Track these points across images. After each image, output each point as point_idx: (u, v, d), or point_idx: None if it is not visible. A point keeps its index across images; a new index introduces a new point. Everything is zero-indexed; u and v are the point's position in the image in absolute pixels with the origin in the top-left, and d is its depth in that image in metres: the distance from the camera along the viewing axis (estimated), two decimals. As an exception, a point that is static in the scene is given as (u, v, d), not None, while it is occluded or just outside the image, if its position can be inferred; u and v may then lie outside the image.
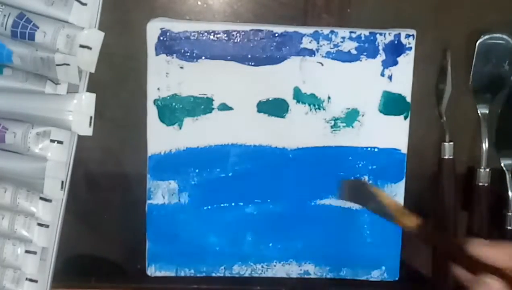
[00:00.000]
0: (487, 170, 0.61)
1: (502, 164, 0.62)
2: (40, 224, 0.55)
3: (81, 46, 0.50)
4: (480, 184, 0.61)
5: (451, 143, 0.61)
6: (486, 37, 0.59)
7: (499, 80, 0.60)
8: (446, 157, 0.61)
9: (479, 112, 0.61)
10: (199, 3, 0.59)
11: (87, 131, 0.53)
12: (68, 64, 0.51)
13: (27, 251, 0.55)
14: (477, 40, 0.59)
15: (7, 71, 0.54)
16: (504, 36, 0.59)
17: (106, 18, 0.52)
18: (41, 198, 0.55)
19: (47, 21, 0.50)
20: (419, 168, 0.61)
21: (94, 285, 0.62)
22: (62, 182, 0.54)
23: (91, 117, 0.53)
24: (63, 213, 0.55)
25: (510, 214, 0.61)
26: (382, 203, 0.48)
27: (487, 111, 0.61)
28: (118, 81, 0.59)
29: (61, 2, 0.50)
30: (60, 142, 0.54)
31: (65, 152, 0.54)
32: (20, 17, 0.50)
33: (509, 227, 0.61)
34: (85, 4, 0.50)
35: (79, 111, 0.53)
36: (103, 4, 0.51)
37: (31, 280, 0.56)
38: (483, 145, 0.61)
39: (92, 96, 0.53)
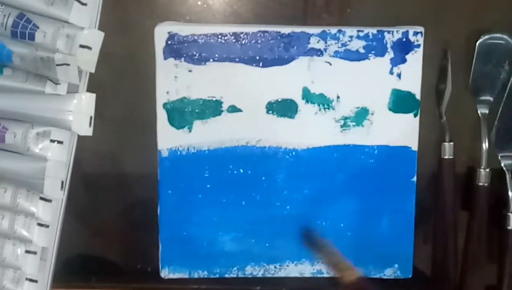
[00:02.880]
0: (487, 170, 0.61)
1: (502, 164, 0.62)
2: (40, 224, 0.55)
3: (81, 46, 0.50)
4: (480, 184, 0.61)
5: (451, 143, 0.61)
6: (486, 37, 0.59)
7: (499, 80, 0.60)
8: (446, 157, 0.61)
9: (479, 112, 0.61)
10: (199, 3, 0.59)
11: (87, 131, 0.53)
12: (68, 64, 0.51)
13: (27, 251, 0.55)
14: (477, 40, 0.59)
15: (7, 71, 0.54)
16: (504, 36, 0.59)
17: (106, 18, 0.52)
18: (41, 198, 0.55)
19: (47, 21, 0.50)
20: (419, 168, 0.60)
21: (95, 285, 0.62)
22: (62, 182, 0.54)
23: (91, 117, 0.53)
24: (63, 213, 0.55)
25: (510, 214, 0.61)
26: (329, 257, 0.56)
27: (487, 111, 0.61)
28: (118, 81, 0.59)
29: (61, 2, 0.50)
30: (60, 142, 0.54)
31: (65, 152, 0.54)
32: (20, 17, 0.50)
33: (509, 227, 0.61)
34: (85, 4, 0.50)
35: (79, 111, 0.53)
36: (103, 4, 0.51)
37: (31, 280, 0.56)
38: (483, 145, 0.61)
39: (92, 96, 0.53)
